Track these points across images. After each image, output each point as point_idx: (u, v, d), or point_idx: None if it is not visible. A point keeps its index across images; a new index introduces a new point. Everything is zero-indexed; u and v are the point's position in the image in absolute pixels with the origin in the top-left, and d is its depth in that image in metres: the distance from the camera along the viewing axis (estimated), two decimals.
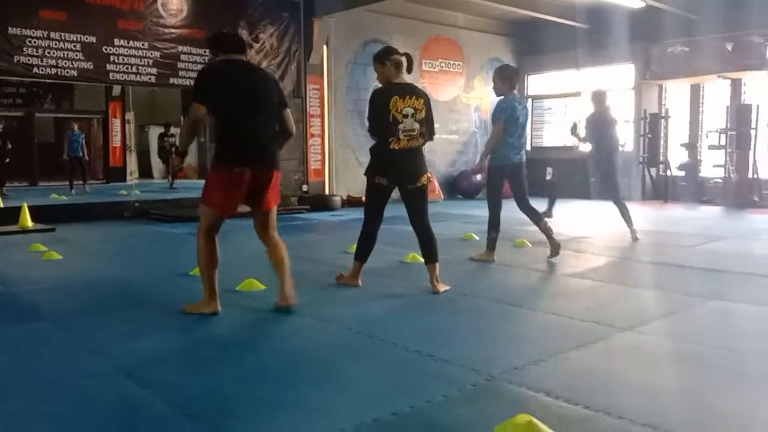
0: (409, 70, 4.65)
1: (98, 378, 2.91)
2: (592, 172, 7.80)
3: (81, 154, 14.18)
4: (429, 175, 4.74)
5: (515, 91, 5.87)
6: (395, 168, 4.55)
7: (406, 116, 4.47)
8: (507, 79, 5.81)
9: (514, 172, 5.82)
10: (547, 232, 5.86)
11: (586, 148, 7.94)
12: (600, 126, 7.32)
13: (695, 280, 5.17)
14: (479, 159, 6.13)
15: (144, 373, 2.94)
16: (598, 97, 7.39)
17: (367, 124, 4.74)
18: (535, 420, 2.27)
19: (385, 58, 4.58)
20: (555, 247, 5.83)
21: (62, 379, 2.90)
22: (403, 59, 4.59)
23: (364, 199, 4.85)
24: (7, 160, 13.19)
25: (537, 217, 5.88)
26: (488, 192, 6.03)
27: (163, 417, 2.49)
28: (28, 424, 2.44)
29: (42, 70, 8.63)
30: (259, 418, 2.48)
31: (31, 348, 3.40)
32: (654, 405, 2.62)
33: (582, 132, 7.38)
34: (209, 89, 3.82)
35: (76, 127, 14.70)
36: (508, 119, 5.68)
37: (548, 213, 8.31)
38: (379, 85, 4.70)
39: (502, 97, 5.82)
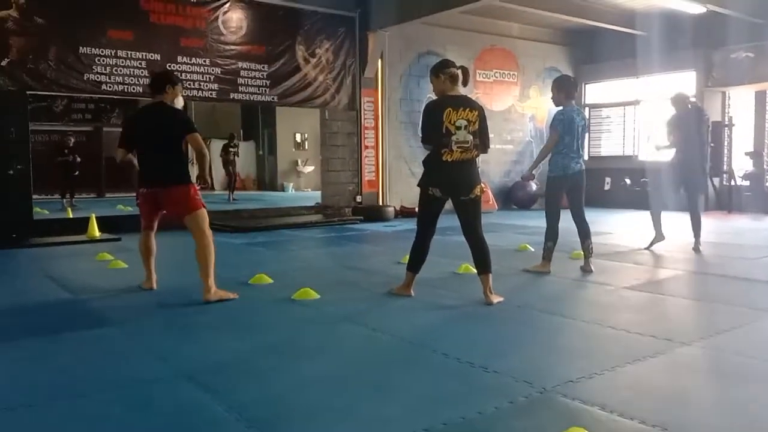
0: (465, 83, 4.68)
1: (160, 382, 3.04)
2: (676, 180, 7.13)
3: None
4: (483, 185, 4.75)
5: (573, 102, 5.86)
6: (448, 180, 4.57)
7: (459, 128, 4.49)
8: (563, 89, 5.83)
9: (575, 182, 5.81)
10: (588, 252, 5.87)
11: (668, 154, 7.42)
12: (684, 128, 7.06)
13: (760, 294, 4.99)
14: (530, 168, 6.29)
15: (204, 378, 3.05)
16: (679, 100, 7.20)
17: (420, 134, 4.79)
18: None
19: (440, 70, 4.64)
20: (587, 267, 5.86)
21: (126, 383, 3.03)
22: (459, 72, 4.63)
23: (417, 210, 4.88)
24: (77, 173, 13.79)
25: (586, 234, 5.88)
26: (547, 201, 6.00)
27: (221, 421, 2.58)
28: (91, 425, 2.56)
29: (110, 87, 9.03)
30: (312, 425, 2.53)
31: (97, 353, 3.56)
32: (714, 422, 2.55)
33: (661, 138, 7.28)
34: (125, 133, 5.00)
35: None
36: (565, 130, 5.69)
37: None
38: (434, 97, 4.75)
39: (560, 107, 5.84)
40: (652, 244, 7.19)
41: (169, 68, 9.35)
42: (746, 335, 3.84)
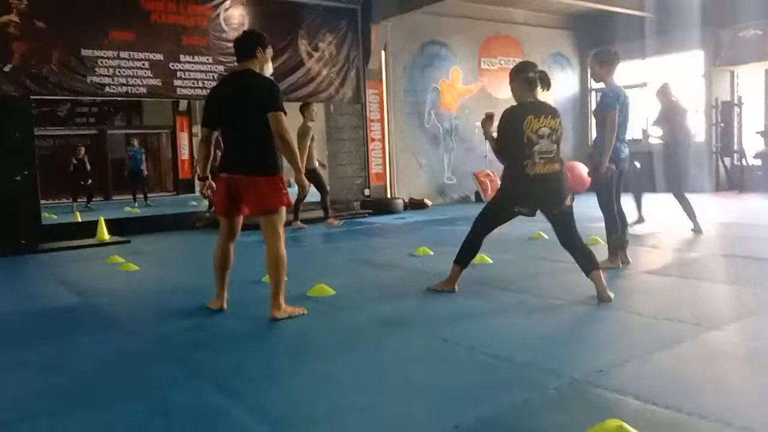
0: (546, 87, 4.31)
1: (177, 386, 2.97)
2: (665, 165, 7.61)
3: (141, 170, 14.84)
4: (572, 194, 4.33)
5: (614, 78, 5.25)
6: (535, 196, 4.23)
7: (542, 137, 4.13)
8: (605, 64, 5.20)
9: (623, 168, 5.31)
10: (623, 242, 5.30)
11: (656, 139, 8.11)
12: (671, 118, 7.41)
13: None
14: (604, 160, 5.12)
15: (222, 381, 2.98)
16: (664, 91, 7.55)
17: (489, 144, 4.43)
18: (626, 425, 2.18)
19: (515, 75, 4.33)
20: (625, 259, 5.28)
21: (141, 388, 2.96)
22: (536, 77, 4.29)
23: (487, 209, 4.52)
24: (90, 181, 13.99)
25: (623, 224, 5.36)
26: (600, 191, 5.31)
27: (243, 425, 2.51)
28: None
29: (113, 89, 8.95)
30: (338, 425, 2.46)
31: (111, 357, 3.49)
32: (751, 408, 2.47)
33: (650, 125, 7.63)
34: (206, 108, 4.28)
35: (136, 143, 15.41)
36: (620, 109, 5.09)
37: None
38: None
39: (603, 85, 5.26)
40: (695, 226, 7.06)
41: (172, 67, 9.29)
42: None
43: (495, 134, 4.37)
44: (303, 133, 9.04)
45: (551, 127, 4.18)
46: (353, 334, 3.79)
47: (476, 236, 4.52)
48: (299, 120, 9.14)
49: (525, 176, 4.14)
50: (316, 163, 9.36)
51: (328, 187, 9.64)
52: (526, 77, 4.28)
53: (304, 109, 9.30)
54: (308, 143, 9.03)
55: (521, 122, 4.13)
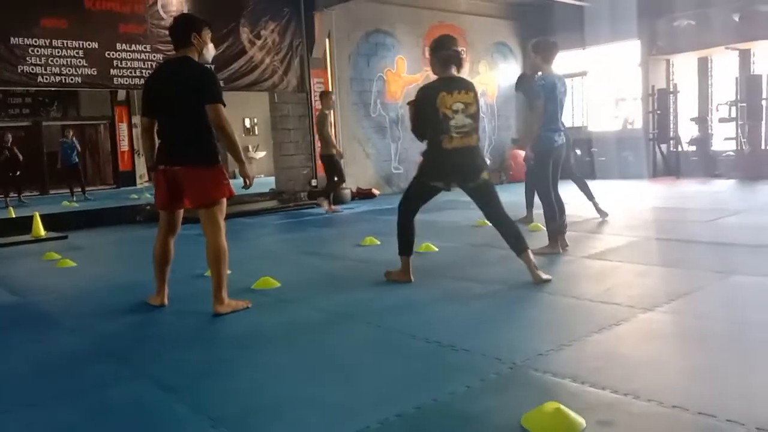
0: (458, 69, 4.39)
1: (118, 384, 2.90)
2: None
3: (75, 162, 14.33)
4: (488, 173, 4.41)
5: (551, 67, 5.38)
6: (451, 169, 4.29)
7: (456, 112, 4.21)
8: (542, 53, 5.34)
9: (558, 157, 5.41)
10: (563, 227, 5.40)
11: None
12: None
13: (714, 256, 5.09)
14: (529, 147, 5.33)
15: (163, 378, 2.92)
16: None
17: (409, 124, 4.45)
18: (562, 407, 2.24)
19: (432, 52, 4.40)
20: (563, 243, 5.38)
21: (82, 387, 2.88)
22: (452, 55, 4.33)
23: (407, 193, 4.56)
24: (18, 172, 13.41)
25: (561, 210, 5.40)
26: (537, 180, 5.45)
27: (185, 421, 2.47)
28: None
29: (46, 79, 8.61)
30: (282, 417, 2.45)
31: (49, 356, 3.38)
32: (683, 386, 2.57)
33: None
34: (144, 97, 4.13)
35: (69, 134, 14.84)
36: (548, 97, 5.20)
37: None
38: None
39: (539, 74, 5.38)
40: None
41: (108, 56, 8.99)
42: (705, 298, 3.90)
43: None
44: (322, 120, 9.36)
45: (465, 102, 4.25)
46: (297, 326, 3.76)
47: (404, 219, 4.56)
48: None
49: (441, 150, 4.24)
50: (334, 150, 9.48)
51: (337, 179, 9.60)
52: (445, 54, 4.35)
53: (323, 96, 9.66)
54: (329, 130, 9.48)
55: (435, 98, 4.22)
